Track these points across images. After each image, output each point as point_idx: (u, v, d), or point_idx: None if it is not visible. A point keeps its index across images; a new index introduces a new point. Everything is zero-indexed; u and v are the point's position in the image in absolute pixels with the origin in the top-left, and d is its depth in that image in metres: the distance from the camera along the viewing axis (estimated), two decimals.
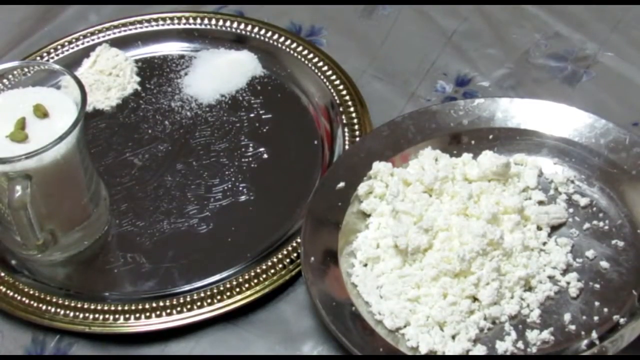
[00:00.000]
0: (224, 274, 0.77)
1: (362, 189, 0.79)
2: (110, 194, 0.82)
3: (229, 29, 0.96)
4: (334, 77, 0.90)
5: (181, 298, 0.75)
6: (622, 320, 0.70)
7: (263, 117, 0.89)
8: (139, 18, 0.97)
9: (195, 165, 0.86)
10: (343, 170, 0.80)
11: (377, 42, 0.96)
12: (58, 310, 0.75)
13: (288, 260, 0.77)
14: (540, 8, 0.97)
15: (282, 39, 0.94)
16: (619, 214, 0.76)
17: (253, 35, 0.95)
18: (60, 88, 0.78)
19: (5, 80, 0.77)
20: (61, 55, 0.94)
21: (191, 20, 0.97)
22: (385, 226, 0.76)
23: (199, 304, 0.75)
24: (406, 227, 0.74)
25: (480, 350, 0.70)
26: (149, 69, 0.94)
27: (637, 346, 0.68)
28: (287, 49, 0.93)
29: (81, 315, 0.75)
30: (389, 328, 0.71)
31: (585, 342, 0.70)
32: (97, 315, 0.75)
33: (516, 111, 0.82)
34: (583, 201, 0.78)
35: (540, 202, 0.78)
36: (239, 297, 0.75)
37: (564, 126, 0.80)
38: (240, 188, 0.83)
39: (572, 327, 0.71)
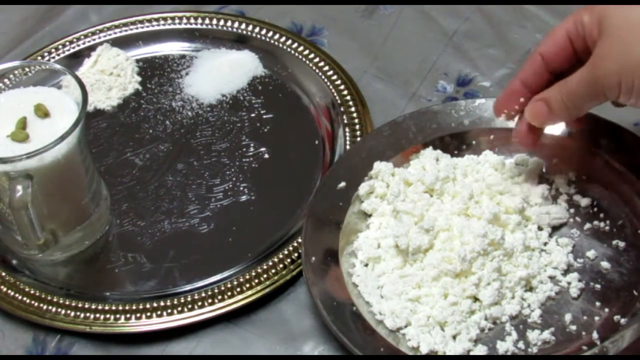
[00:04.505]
0: (225, 274, 0.77)
1: (363, 189, 0.79)
2: (111, 194, 0.82)
3: (230, 28, 0.96)
4: (335, 77, 0.90)
5: (182, 298, 0.75)
6: (622, 321, 0.70)
7: (264, 117, 0.89)
8: (140, 18, 0.97)
9: (196, 165, 0.86)
10: (344, 170, 0.80)
11: (378, 42, 0.96)
12: (59, 310, 0.75)
13: (289, 260, 0.77)
14: (541, 8, 0.97)
15: (283, 39, 0.94)
16: (619, 215, 0.76)
17: (254, 35, 0.95)
18: (61, 88, 0.78)
19: (6, 80, 0.77)
20: (62, 55, 0.94)
21: (192, 20, 0.97)
22: (386, 226, 0.76)
23: (199, 303, 0.75)
24: (407, 227, 0.74)
25: (481, 350, 0.70)
26: (150, 69, 0.94)
27: (637, 346, 0.68)
28: (288, 49, 0.93)
29: (82, 315, 0.75)
30: (389, 328, 0.71)
31: (586, 342, 0.70)
32: (98, 315, 0.75)
33: None
34: (584, 201, 0.78)
35: (541, 203, 0.78)
36: (240, 297, 0.75)
37: (565, 126, 0.80)
38: (241, 188, 0.83)
39: (573, 327, 0.71)
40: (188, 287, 0.77)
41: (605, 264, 0.74)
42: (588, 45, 0.69)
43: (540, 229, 0.76)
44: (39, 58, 0.94)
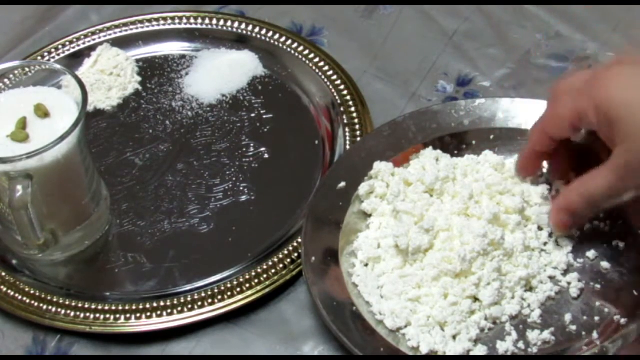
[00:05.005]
0: (225, 274, 0.77)
1: (363, 189, 0.79)
2: (111, 194, 0.82)
3: (230, 28, 0.96)
4: (335, 77, 0.90)
5: (182, 298, 0.75)
6: (622, 321, 0.70)
7: (264, 117, 0.89)
8: (140, 18, 0.97)
9: (196, 165, 0.86)
10: (344, 170, 0.80)
11: (378, 42, 0.96)
12: (59, 310, 0.75)
13: (289, 260, 0.77)
14: (541, 8, 0.97)
15: (283, 39, 0.94)
16: (619, 215, 0.76)
17: (254, 35, 0.95)
18: (61, 88, 0.78)
19: (6, 80, 0.77)
20: (62, 55, 0.94)
21: (192, 20, 0.97)
22: (386, 226, 0.76)
23: (199, 303, 0.75)
24: (407, 227, 0.74)
25: (481, 350, 0.70)
26: (150, 69, 0.94)
27: (637, 346, 0.68)
28: (288, 49, 0.93)
29: (82, 315, 0.75)
30: (389, 328, 0.71)
31: (586, 342, 0.70)
32: (98, 315, 0.75)
33: (517, 111, 0.82)
34: None
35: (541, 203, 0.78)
36: (240, 297, 0.75)
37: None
38: (241, 188, 0.83)
39: (573, 327, 0.71)
40: (188, 287, 0.77)
41: (605, 264, 0.74)
42: (601, 137, 0.69)
43: (540, 229, 0.76)
44: (39, 58, 0.93)
